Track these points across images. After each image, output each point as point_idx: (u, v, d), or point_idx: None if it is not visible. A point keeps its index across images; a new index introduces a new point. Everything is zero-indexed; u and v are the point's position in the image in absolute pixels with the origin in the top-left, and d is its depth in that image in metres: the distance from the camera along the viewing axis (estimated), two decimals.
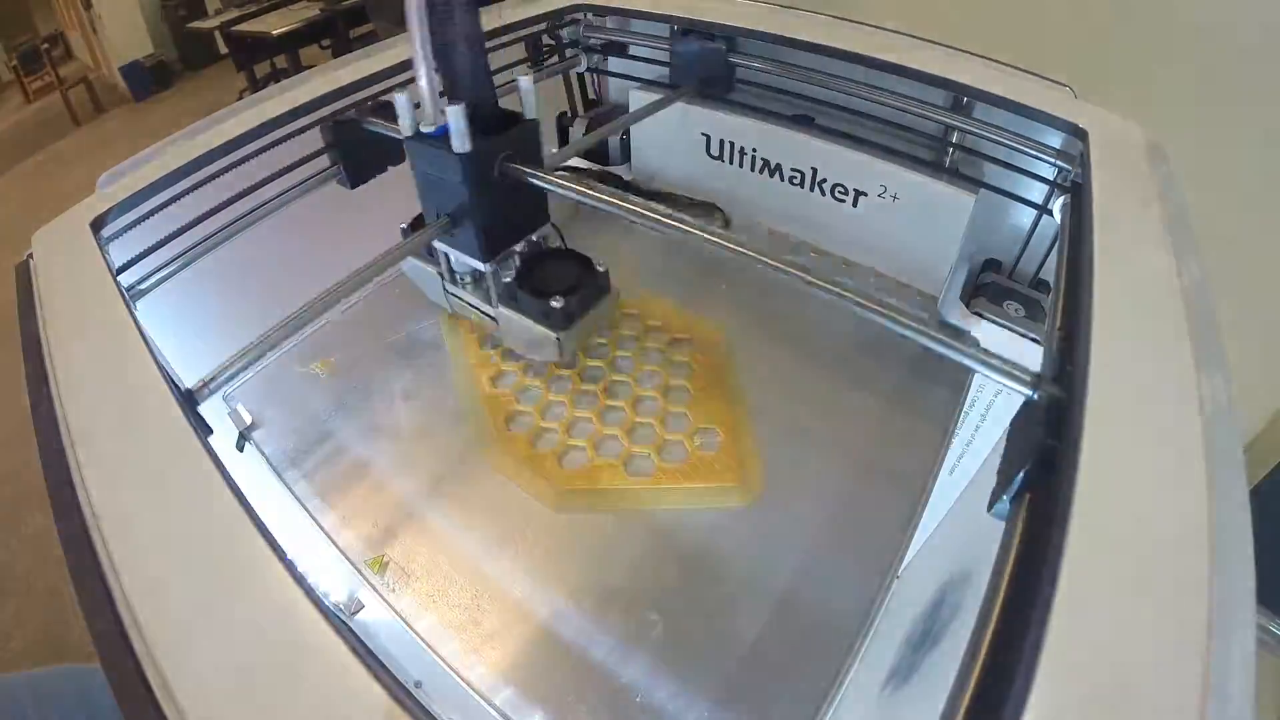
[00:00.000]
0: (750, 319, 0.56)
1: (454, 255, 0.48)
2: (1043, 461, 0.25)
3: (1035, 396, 0.28)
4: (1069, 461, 0.22)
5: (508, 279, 0.46)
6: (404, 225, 0.50)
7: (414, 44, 0.36)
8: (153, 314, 0.43)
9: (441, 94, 0.40)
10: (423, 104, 0.39)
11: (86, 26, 3.87)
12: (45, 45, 3.80)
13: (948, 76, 0.49)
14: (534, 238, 0.47)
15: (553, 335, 0.45)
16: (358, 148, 0.52)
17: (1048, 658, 0.18)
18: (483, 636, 0.36)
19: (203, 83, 3.85)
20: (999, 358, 0.29)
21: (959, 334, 0.55)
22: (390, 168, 0.55)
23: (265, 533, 0.22)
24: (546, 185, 0.41)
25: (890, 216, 0.58)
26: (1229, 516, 0.21)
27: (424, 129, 0.40)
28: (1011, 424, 0.30)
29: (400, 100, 0.40)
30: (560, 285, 0.45)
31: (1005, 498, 0.26)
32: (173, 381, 0.28)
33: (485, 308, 0.50)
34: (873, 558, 0.39)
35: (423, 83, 0.38)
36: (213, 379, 0.33)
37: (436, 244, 0.48)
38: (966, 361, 0.30)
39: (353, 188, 0.54)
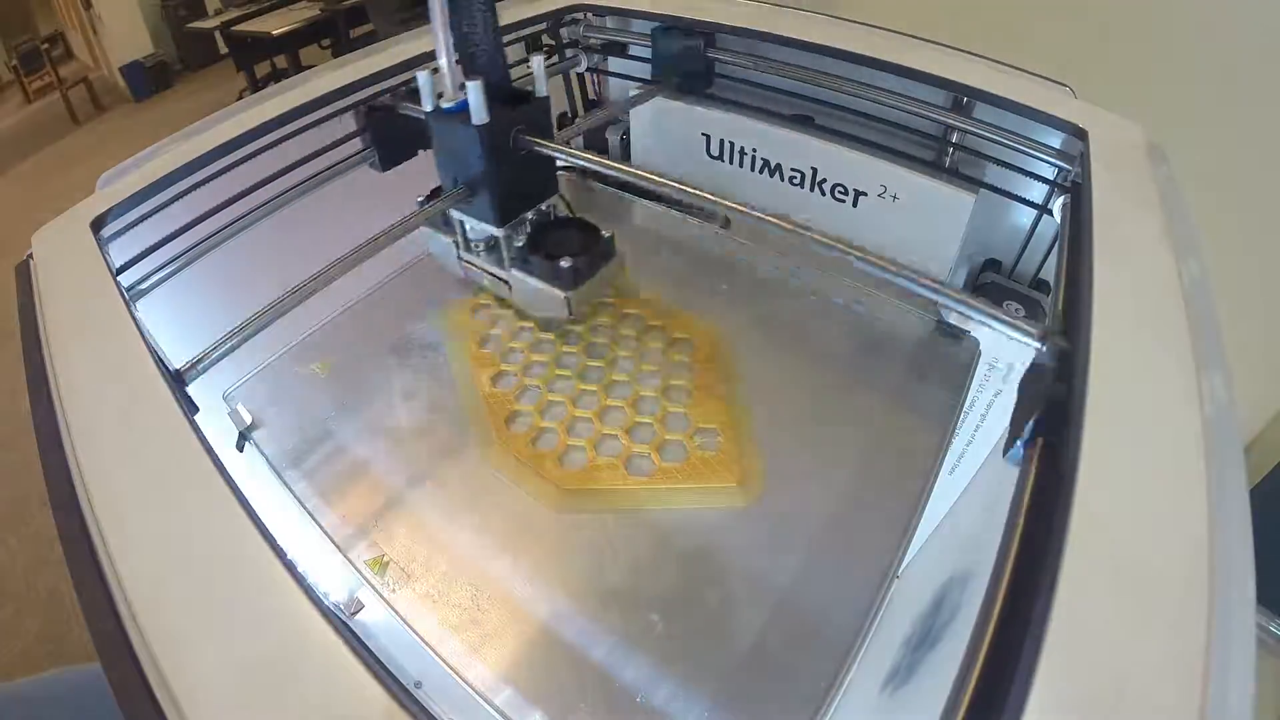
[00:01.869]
0: (750, 319, 0.56)
1: (469, 223, 0.51)
2: (1052, 409, 0.27)
3: (1044, 348, 0.30)
4: (1076, 407, 0.24)
5: (519, 244, 0.50)
6: (420, 198, 0.53)
7: (435, 25, 0.40)
8: (153, 314, 0.43)
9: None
10: (443, 82, 0.43)
11: (86, 26, 3.88)
12: (45, 45, 3.80)
13: (948, 76, 0.49)
14: (544, 207, 0.51)
15: (561, 294, 0.49)
16: (390, 132, 0.56)
17: (1048, 658, 0.18)
18: (483, 636, 0.36)
19: (203, 83, 3.85)
20: (1007, 315, 0.32)
21: (959, 334, 0.55)
22: (420, 151, 0.58)
23: (265, 533, 0.22)
24: (556, 153, 0.45)
25: (890, 216, 0.58)
26: (1229, 516, 0.21)
27: (444, 105, 0.44)
28: (1022, 380, 0.32)
29: (422, 78, 0.43)
30: (568, 248, 0.49)
31: (1019, 443, 0.29)
32: (169, 372, 0.28)
33: (498, 271, 0.53)
34: (873, 558, 0.39)
35: (443, 62, 0.42)
36: (207, 354, 0.36)
37: (453, 213, 0.51)
38: (976, 317, 0.33)
39: (384, 170, 0.57)
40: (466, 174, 0.46)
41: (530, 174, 0.48)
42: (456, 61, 0.43)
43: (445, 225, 0.54)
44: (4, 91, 4.11)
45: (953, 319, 0.56)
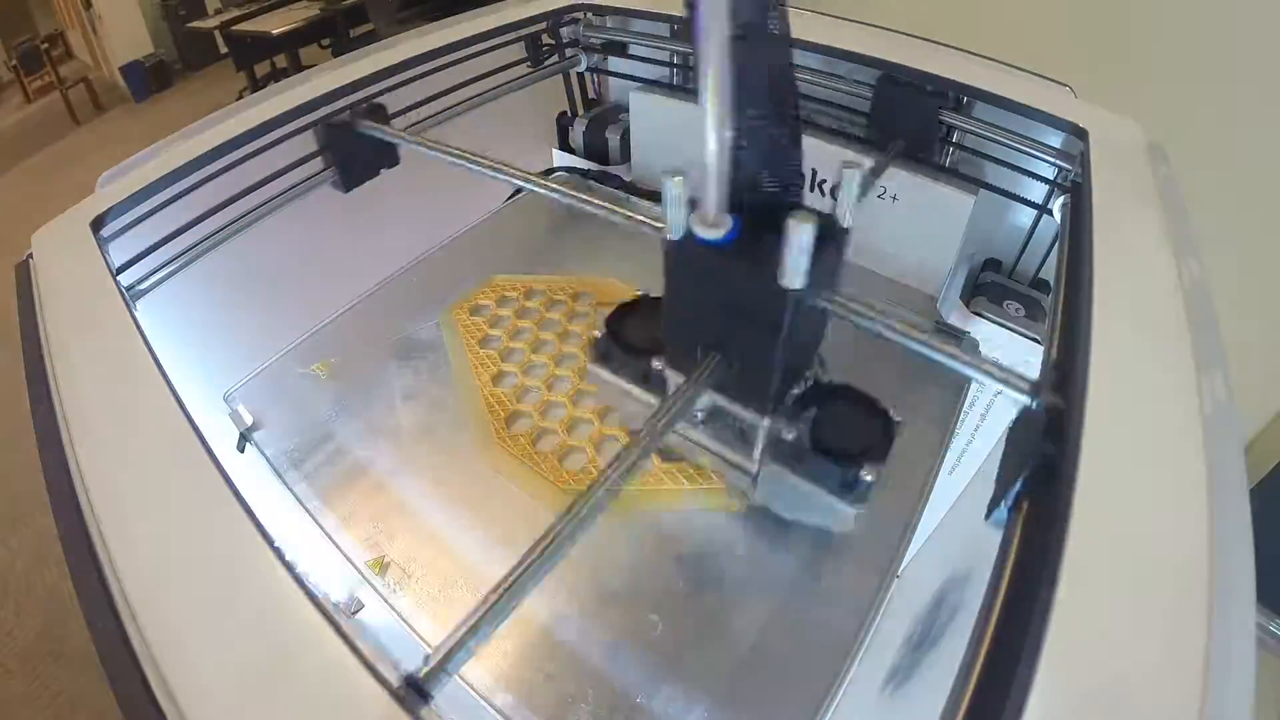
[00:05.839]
0: None
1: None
2: (1042, 469, 0.24)
3: (1034, 405, 0.26)
4: (1068, 468, 0.22)
5: (790, 435, 0.33)
6: (598, 333, 0.37)
7: (709, 107, 0.23)
8: (152, 313, 0.43)
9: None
10: (707, 198, 0.26)
11: (86, 26, 3.87)
12: (45, 45, 3.79)
13: (948, 76, 0.49)
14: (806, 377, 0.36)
15: (851, 511, 0.33)
16: (352, 151, 0.51)
17: (1048, 658, 0.18)
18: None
19: (203, 83, 3.85)
20: (997, 366, 0.27)
21: (958, 335, 0.55)
22: (384, 170, 0.53)
23: (265, 533, 0.22)
24: (863, 319, 0.31)
25: (890, 217, 0.58)
26: (1229, 516, 0.21)
27: (703, 235, 0.27)
28: (1009, 431, 0.29)
29: (671, 190, 0.27)
30: (859, 445, 0.33)
31: (1003, 506, 0.25)
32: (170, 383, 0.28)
33: (736, 458, 0.36)
34: (873, 558, 0.39)
35: (713, 163, 0.25)
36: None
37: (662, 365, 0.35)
38: (964, 370, 0.28)
39: (346, 191, 0.52)
40: (726, 341, 0.30)
41: (809, 339, 0.34)
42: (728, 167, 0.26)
43: (642, 379, 0.36)
44: (4, 91, 4.11)
45: (953, 319, 0.56)
